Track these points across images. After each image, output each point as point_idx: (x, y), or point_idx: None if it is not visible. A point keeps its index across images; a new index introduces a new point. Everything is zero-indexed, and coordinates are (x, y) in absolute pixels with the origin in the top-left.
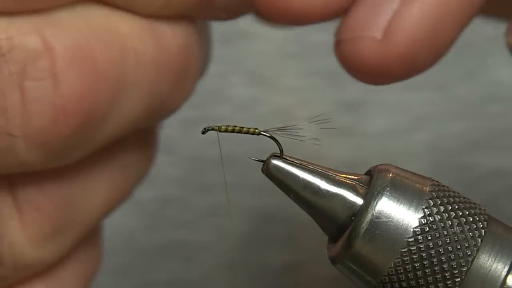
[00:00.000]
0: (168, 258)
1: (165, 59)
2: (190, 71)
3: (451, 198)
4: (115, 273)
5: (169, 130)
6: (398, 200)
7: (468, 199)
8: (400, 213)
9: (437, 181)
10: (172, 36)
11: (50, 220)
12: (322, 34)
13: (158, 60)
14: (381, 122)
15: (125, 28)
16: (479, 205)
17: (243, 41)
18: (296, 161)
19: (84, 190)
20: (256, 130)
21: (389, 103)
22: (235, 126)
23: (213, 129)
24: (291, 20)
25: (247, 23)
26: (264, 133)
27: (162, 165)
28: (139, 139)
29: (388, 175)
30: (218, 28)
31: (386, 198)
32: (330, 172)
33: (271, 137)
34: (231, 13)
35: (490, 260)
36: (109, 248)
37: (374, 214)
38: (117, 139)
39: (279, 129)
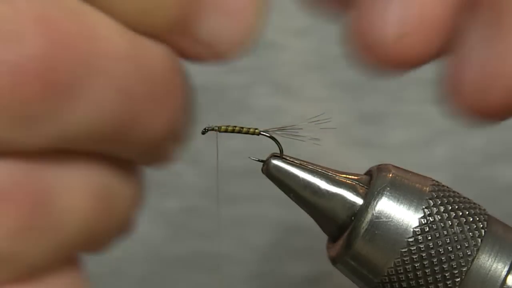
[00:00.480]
0: (192, 268)
1: (144, 69)
2: (172, 99)
3: (451, 198)
4: (138, 282)
5: (196, 141)
6: (398, 200)
7: (468, 199)
8: (400, 213)
9: (437, 181)
10: (155, 52)
11: (22, 212)
12: (341, 47)
13: (134, 64)
14: (401, 134)
15: (96, 17)
16: (479, 205)
17: (267, 51)
18: (296, 161)
19: (61, 190)
20: (256, 130)
21: (408, 115)
22: (235, 126)
23: (212, 129)
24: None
25: (271, 33)
26: (264, 133)
27: (187, 176)
28: (122, 167)
29: (388, 175)
30: None
31: (386, 198)
32: (330, 172)
33: (271, 137)
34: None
35: (490, 260)
36: (133, 257)
37: (374, 214)
38: (91, 144)
39: (279, 129)
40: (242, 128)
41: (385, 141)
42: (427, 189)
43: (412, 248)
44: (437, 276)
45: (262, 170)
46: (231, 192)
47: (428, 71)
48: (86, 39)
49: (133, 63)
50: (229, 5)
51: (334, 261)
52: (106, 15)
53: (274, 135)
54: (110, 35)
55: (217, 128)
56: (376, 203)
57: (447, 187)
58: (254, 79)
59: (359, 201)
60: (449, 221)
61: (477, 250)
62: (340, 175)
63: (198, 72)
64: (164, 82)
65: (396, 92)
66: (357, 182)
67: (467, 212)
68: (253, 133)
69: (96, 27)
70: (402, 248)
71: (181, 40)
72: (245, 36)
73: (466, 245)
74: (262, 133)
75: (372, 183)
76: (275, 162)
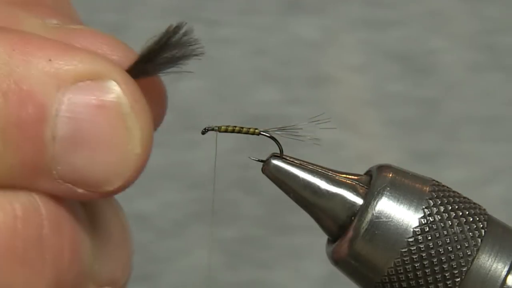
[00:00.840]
0: None
1: None
2: (40, 252)
3: (451, 198)
4: None
5: (254, 171)
6: (398, 200)
7: (468, 199)
8: (400, 213)
9: (437, 181)
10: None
11: None
12: (398, 84)
13: None
14: (457, 173)
15: None
16: (479, 205)
17: (327, 85)
18: (296, 161)
19: None
20: (256, 130)
21: (465, 154)
22: (235, 127)
23: (212, 130)
24: None
25: (331, 67)
26: (264, 133)
27: (245, 205)
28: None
29: (388, 175)
30: (304, 72)
31: (386, 198)
32: (330, 172)
33: (271, 137)
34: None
35: (490, 260)
36: (189, 284)
37: (374, 214)
38: None
39: (279, 129)
40: (242, 128)
41: (441, 180)
42: (427, 189)
43: (412, 248)
44: (437, 276)
45: (262, 170)
46: (289, 222)
47: (484, 109)
48: None
49: None
50: (94, 138)
51: (334, 261)
52: None
53: (274, 135)
54: None
55: (217, 128)
56: (376, 203)
57: (447, 187)
58: (315, 112)
59: (359, 201)
60: (449, 221)
61: (477, 250)
62: (340, 175)
63: (260, 103)
64: (27, 239)
65: (451, 130)
66: (357, 182)
67: (467, 212)
68: (253, 133)
69: None
70: (402, 248)
71: (40, 184)
72: (124, 168)
73: (466, 245)
74: (262, 133)
75: (372, 183)
76: (275, 162)
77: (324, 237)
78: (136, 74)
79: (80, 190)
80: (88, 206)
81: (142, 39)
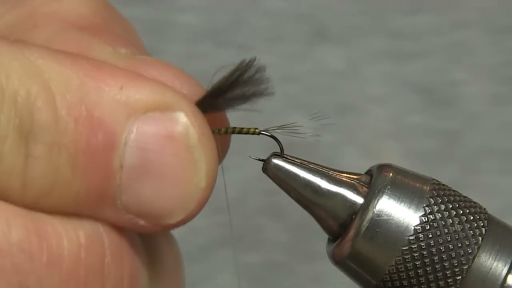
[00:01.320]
0: None
1: (49, 254)
2: (104, 277)
3: (451, 197)
4: None
5: (280, 197)
6: (399, 199)
7: (468, 198)
8: (401, 212)
9: (437, 180)
10: (64, 231)
11: None
12: (419, 116)
13: (34, 251)
14: None
15: None
16: (479, 204)
17: (352, 114)
18: (296, 160)
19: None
20: (257, 130)
21: (484, 186)
22: (235, 127)
23: (213, 132)
24: None
25: (355, 97)
26: (265, 133)
27: (271, 231)
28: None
29: (388, 174)
30: (329, 100)
31: (387, 197)
32: (331, 171)
33: (272, 136)
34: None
35: (490, 258)
36: None
37: (375, 213)
38: None
39: (279, 127)
40: (242, 128)
41: None
42: (428, 187)
43: (413, 246)
44: (438, 274)
45: (262, 169)
46: (313, 249)
47: (504, 141)
48: None
49: (29, 254)
50: (161, 169)
51: (335, 260)
52: None
53: (274, 134)
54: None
55: (217, 130)
56: (377, 201)
57: (448, 186)
58: (341, 139)
59: (359, 200)
60: (450, 220)
61: (478, 248)
62: (341, 174)
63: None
64: (90, 267)
65: (471, 162)
66: (358, 181)
67: (467, 211)
68: (254, 133)
69: None
70: (403, 246)
71: (104, 212)
72: (188, 201)
73: (467, 243)
74: (262, 132)
75: (372, 182)
76: (276, 161)
77: None
78: (204, 108)
79: (142, 222)
80: (145, 236)
81: (174, 62)
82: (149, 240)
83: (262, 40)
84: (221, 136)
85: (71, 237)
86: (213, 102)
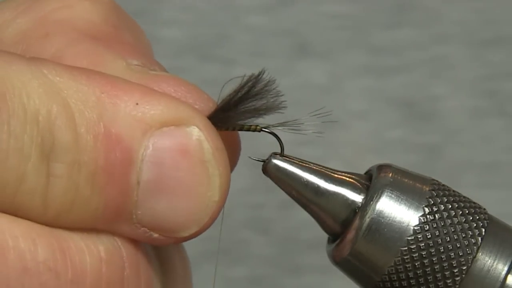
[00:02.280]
0: None
1: (73, 270)
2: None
3: (451, 197)
4: None
5: (267, 211)
6: (398, 199)
7: (468, 198)
8: (400, 212)
9: (437, 181)
10: (85, 247)
11: None
12: (400, 131)
13: (60, 268)
14: None
15: (4, 228)
16: (479, 204)
17: (335, 129)
18: (296, 160)
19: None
20: (258, 127)
21: None
22: (236, 124)
23: None
24: None
25: (337, 113)
26: (265, 130)
27: (257, 245)
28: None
29: (388, 174)
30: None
31: (386, 197)
32: (331, 171)
33: (272, 134)
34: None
35: (490, 259)
36: None
37: (375, 213)
38: None
39: (281, 124)
40: (243, 125)
41: None
42: (427, 188)
43: (413, 247)
44: (437, 275)
45: (262, 169)
46: (299, 262)
47: (484, 155)
48: None
49: (55, 272)
50: (176, 184)
51: (335, 260)
52: (15, 220)
53: (276, 131)
54: (20, 245)
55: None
56: (377, 202)
57: (447, 186)
58: (326, 153)
59: (359, 200)
60: (450, 220)
61: (478, 249)
62: (341, 174)
63: (270, 144)
64: (111, 281)
65: (451, 176)
66: (358, 181)
67: (467, 211)
68: (255, 130)
69: (2, 239)
70: (403, 247)
71: (120, 227)
72: (201, 215)
73: (467, 243)
74: (263, 129)
75: (372, 182)
76: (275, 161)
77: (335, 278)
78: (216, 122)
79: (155, 235)
80: (157, 248)
81: None
82: (160, 249)
83: (245, 54)
84: (230, 148)
85: (92, 252)
86: (225, 117)
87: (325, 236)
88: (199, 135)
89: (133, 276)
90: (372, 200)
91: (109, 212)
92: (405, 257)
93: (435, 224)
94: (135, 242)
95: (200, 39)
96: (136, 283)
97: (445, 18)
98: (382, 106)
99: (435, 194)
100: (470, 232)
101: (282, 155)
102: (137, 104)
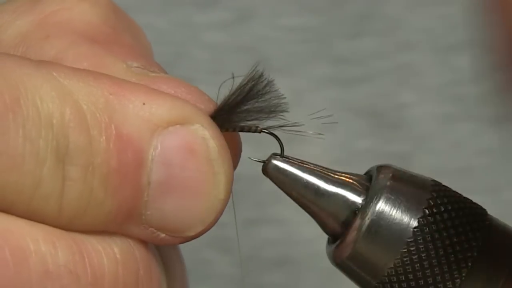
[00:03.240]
0: None
1: (92, 272)
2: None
3: (451, 198)
4: None
5: (229, 229)
6: (398, 200)
7: (469, 199)
8: (400, 213)
9: (437, 181)
10: (102, 249)
11: None
12: (368, 141)
13: (80, 271)
14: None
15: (25, 232)
16: (479, 205)
17: (300, 144)
18: (296, 161)
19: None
20: (258, 128)
21: None
22: (236, 125)
23: None
24: None
25: (301, 127)
26: (265, 131)
27: (219, 264)
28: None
29: (388, 175)
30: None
31: (386, 199)
32: (331, 172)
33: (273, 135)
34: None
35: (490, 261)
36: None
37: (375, 214)
38: None
39: (281, 126)
40: (244, 126)
41: None
42: (428, 189)
43: (412, 249)
44: (437, 277)
45: (262, 170)
46: (263, 281)
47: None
48: (15, 264)
49: (76, 275)
50: (184, 183)
51: (335, 261)
52: (35, 224)
53: (275, 133)
54: (41, 249)
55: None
56: (376, 203)
57: (447, 187)
58: None
59: (359, 201)
60: (450, 221)
61: (478, 250)
62: (341, 175)
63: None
64: (127, 282)
65: None
66: (358, 182)
67: (467, 212)
68: (255, 131)
69: (21, 238)
70: (402, 249)
71: (129, 228)
72: (208, 214)
73: (466, 246)
74: (263, 130)
75: (372, 183)
76: (275, 162)
77: None
78: (216, 123)
79: (162, 235)
80: (158, 248)
81: None
82: (161, 249)
83: (204, 72)
84: (231, 148)
85: (109, 254)
86: (225, 118)
87: (287, 254)
88: (204, 133)
89: (147, 277)
90: (372, 202)
91: (121, 214)
92: (405, 259)
93: (435, 225)
94: (145, 243)
95: (158, 58)
96: (149, 283)
97: (407, 25)
98: (348, 117)
99: (435, 195)
100: (470, 233)
101: (282, 156)
102: (144, 104)
